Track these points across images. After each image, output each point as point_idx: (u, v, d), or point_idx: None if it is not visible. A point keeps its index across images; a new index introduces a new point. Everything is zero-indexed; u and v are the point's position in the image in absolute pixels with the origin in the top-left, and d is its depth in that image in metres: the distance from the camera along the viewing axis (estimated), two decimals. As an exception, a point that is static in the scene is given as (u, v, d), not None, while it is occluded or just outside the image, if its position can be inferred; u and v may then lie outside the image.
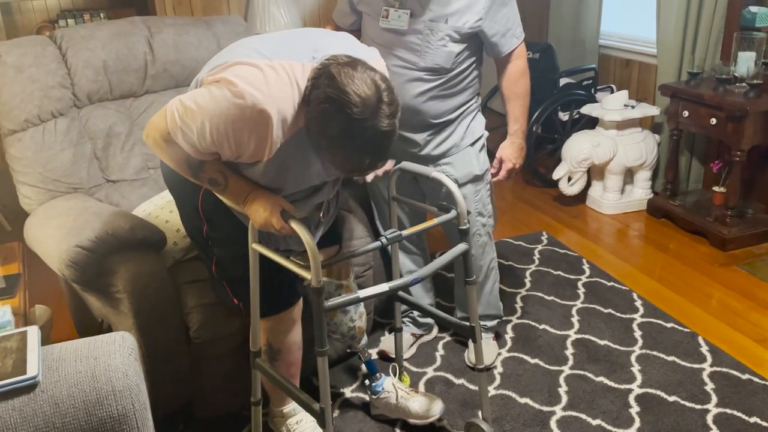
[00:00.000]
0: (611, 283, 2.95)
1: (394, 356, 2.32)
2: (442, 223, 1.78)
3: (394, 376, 2.19)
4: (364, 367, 2.20)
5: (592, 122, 3.87)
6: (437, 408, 2.09)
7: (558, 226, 3.62)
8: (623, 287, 2.92)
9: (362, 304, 2.05)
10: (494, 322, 2.48)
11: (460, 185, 2.20)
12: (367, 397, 2.21)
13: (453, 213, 1.79)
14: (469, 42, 2.07)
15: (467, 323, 1.91)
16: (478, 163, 2.22)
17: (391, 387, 2.13)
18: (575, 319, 2.69)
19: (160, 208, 2.15)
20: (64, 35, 2.36)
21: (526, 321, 2.69)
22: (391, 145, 1.45)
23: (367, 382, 2.16)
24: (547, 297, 2.87)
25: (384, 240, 1.64)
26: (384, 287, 1.60)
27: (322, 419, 1.62)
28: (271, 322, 1.88)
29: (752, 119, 3.03)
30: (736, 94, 3.12)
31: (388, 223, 2.10)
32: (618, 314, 2.71)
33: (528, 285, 2.97)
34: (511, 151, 2.20)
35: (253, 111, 1.41)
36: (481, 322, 2.44)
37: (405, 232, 1.67)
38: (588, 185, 3.83)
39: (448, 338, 2.59)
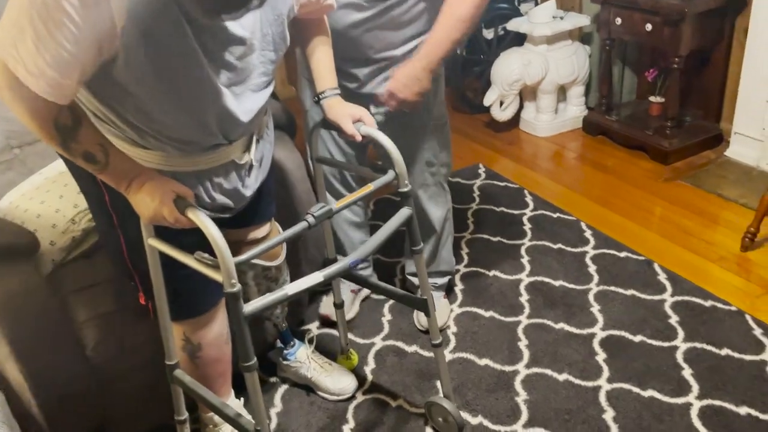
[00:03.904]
0: (557, 215, 2.77)
1: (335, 320, 2.06)
2: (381, 187, 1.48)
3: (310, 345, 1.98)
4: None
5: (518, 38, 3.59)
6: (350, 387, 1.95)
7: (493, 155, 3.39)
8: (570, 217, 2.74)
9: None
10: (446, 279, 2.24)
11: None
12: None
13: (391, 174, 1.49)
14: None
15: (418, 295, 1.66)
16: (431, 109, 1.90)
17: (304, 357, 1.96)
18: (525, 260, 2.50)
19: (29, 199, 1.74)
20: None
21: (475, 268, 2.48)
22: None
23: (278, 344, 1.97)
24: (493, 238, 2.65)
25: (311, 219, 1.33)
26: (317, 277, 1.31)
27: (259, 440, 1.35)
28: (187, 322, 1.57)
29: (690, 22, 2.82)
30: (671, -4, 2.90)
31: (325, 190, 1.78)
32: (569, 249, 2.54)
33: (471, 227, 2.74)
34: (400, 76, 1.75)
35: None
36: (432, 280, 2.20)
37: (336, 206, 1.37)
38: (520, 107, 3.60)
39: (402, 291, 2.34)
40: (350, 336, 2.17)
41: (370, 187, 1.45)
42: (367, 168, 1.58)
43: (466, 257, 2.55)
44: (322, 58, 1.57)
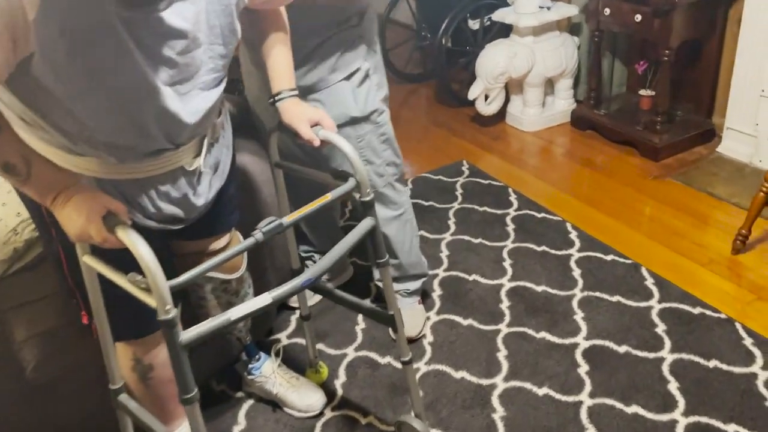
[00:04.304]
0: (542, 215, 2.66)
1: (296, 306, 1.98)
2: (341, 196, 1.36)
3: (277, 358, 1.87)
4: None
5: (505, 29, 3.46)
6: (318, 403, 1.83)
7: (478, 151, 3.27)
8: (555, 217, 2.63)
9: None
10: (419, 283, 2.12)
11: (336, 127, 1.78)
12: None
13: (351, 182, 1.38)
14: None
15: (385, 310, 1.55)
16: (355, 102, 1.77)
17: (269, 372, 1.84)
18: (507, 264, 2.39)
19: (-31, 207, 1.62)
20: None
21: (454, 273, 2.37)
22: None
23: (244, 356, 1.86)
24: (474, 240, 2.54)
25: (258, 235, 1.22)
26: (265, 299, 1.19)
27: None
28: (136, 342, 1.46)
29: (681, 12, 2.70)
30: (661, -15, 2.78)
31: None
32: (553, 251, 2.43)
33: (452, 228, 2.63)
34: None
35: None
36: (403, 286, 2.09)
37: (287, 220, 1.25)
38: (506, 101, 3.48)
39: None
40: (321, 346, 2.06)
41: (327, 197, 1.33)
42: (327, 174, 1.46)
43: (445, 260, 2.44)
44: (279, 58, 1.45)
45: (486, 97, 3.33)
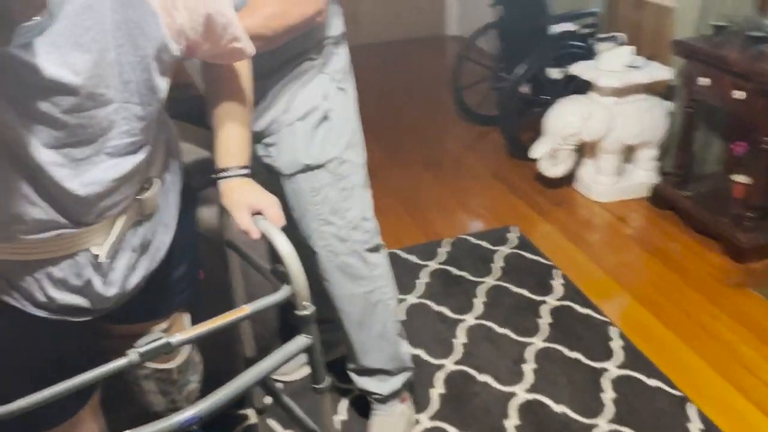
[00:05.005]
0: (586, 310, 2.27)
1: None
2: (262, 310, 1.10)
3: None
4: None
5: (588, 83, 3.08)
6: None
7: (534, 216, 2.91)
8: (601, 317, 2.24)
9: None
10: (398, 381, 1.75)
11: (288, 176, 1.50)
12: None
13: (284, 291, 1.11)
14: None
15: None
16: (307, 146, 1.48)
17: None
18: (529, 367, 2.03)
19: None
20: None
21: (464, 368, 2.04)
22: None
23: None
24: (499, 329, 2.20)
25: (134, 356, 0.98)
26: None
27: None
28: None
29: (792, 96, 2.24)
30: (773, 59, 2.32)
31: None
32: (587, 361, 2.05)
33: (479, 309, 2.30)
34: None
35: None
36: (375, 386, 1.73)
37: (176, 338, 1.00)
38: (578, 163, 3.09)
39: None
40: (288, 435, 1.81)
41: (244, 310, 1.07)
42: (268, 269, 1.21)
43: (460, 349, 2.12)
44: (231, 134, 1.21)
45: (553, 157, 2.97)
